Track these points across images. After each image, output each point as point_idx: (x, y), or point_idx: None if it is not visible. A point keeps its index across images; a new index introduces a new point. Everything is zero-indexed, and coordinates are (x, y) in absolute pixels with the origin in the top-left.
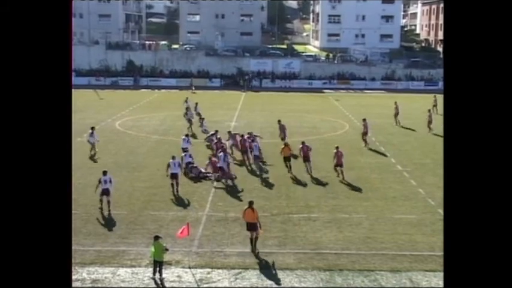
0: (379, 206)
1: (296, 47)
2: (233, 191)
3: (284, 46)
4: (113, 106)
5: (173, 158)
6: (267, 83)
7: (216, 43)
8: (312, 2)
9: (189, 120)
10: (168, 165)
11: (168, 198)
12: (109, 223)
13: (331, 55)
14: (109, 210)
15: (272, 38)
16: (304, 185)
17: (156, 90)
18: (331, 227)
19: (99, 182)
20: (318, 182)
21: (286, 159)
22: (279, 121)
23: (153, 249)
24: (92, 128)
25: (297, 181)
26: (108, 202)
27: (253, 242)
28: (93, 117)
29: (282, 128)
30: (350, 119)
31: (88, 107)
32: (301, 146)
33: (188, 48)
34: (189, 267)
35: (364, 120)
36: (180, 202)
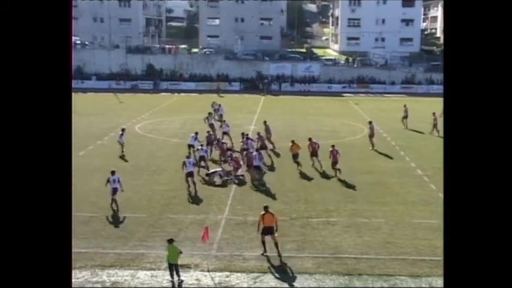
0: (398, 211)
1: (315, 50)
2: (252, 195)
3: (303, 50)
4: (132, 109)
5: (188, 157)
6: (286, 87)
7: (236, 47)
8: (331, 5)
9: (211, 125)
10: (184, 164)
11: (187, 201)
12: (129, 226)
13: (350, 59)
14: (117, 209)
15: (291, 41)
16: (323, 189)
17: (176, 94)
18: (350, 232)
19: (108, 181)
20: (336, 186)
21: (295, 156)
22: (265, 122)
23: (167, 252)
24: (123, 130)
25: (315, 185)
26: (115, 201)
27: (265, 245)
28: (113, 121)
29: (267, 129)
30: None
31: (108, 110)
32: (308, 142)
33: (208, 52)
34: (208, 271)
35: (370, 122)
36: (199, 205)
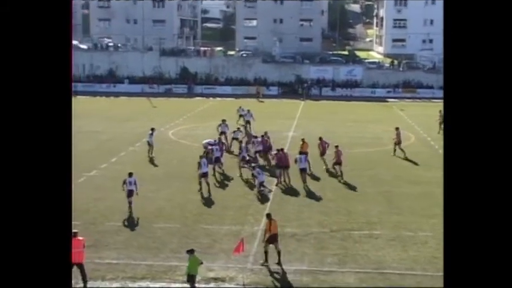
0: None
1: (358, 53)
2: (290, 205)
3: (345, 52)
4: (166, 114)
5: (201, 157)
6: (327, 92)
7: (274, 49)
8: (375, 5)
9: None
10: (199, 164)
11: (222, 211)
12: (161, 236)
13: (396, 62)
14: (131, 211)
15: (333, 43)
16: (366, 199)
17: (211, 99)
18: (395, 246)
19: (124, 183)
20: (380, 196)
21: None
22: (266, 133)
23: (188, 263)
24: (152, 129)
25: (357, 195)
26: (130, 203)
27: (267, 255)
28: (145, 126)
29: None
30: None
31: (141, 115)
32: (319, 141)
33: (244, 55)
34: (244, 285)
35: (396, 129)
36: (235, 215)
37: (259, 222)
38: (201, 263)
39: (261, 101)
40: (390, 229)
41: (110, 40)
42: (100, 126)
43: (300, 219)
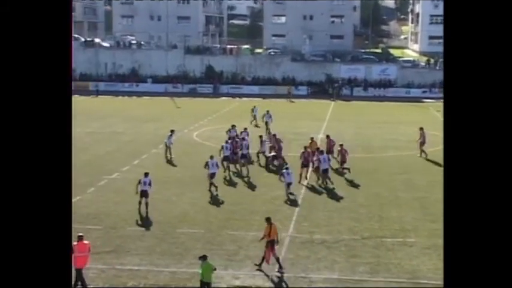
0: None
1: (392, 51)
2: (319, 211)
3: (379, 50)
4: (190, 115)
5: (211, 157)
6: (359, 92)
7: (303, 47)
8: (411, 0)
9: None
10: (206, 164)
11: (248, 216)
12: (185, 242)
13: (432, 60)
14: (146, 213)
15: (365, 41)
16: (400, 205)
17: (237, 99)
18: (430, 254)
19: (139, 182)
20: (414, 202)
21: (328, 152)
22: (274, 135)
23: (200, 270)
24: (172, 131)
25: (391, 200)
26: (146, 204)
27: (262, 261)
28: (169, 127)
29: (278, 141)
30: None
31: (164, 116)
32: (339, 148)
33: (272, 53)
34: None
35: (421, 129)
36: (262, 221)
37: (287, 228)
38: (215, 270)
39: (292, 101)
40: (425, 237)
41: (133, 38)
42: (122, 127)
43: (330, 225)
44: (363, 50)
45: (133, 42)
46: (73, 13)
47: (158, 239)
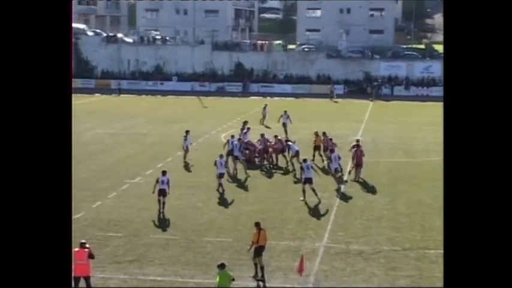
0: None
1: (437, 47)
2: (357, 219)
3: (422, 46)
4: (218, 116)
5: (221, 156)
6: (400, 91)
7: (340, 43)
8: None
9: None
10: (215, 164)
11: (279, 225)
12: (211, 252)
13: None
14: (163, 212)
15: (407, 36)
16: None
17: (269, 98)
18: None
19: (157, 181)
20: None
21: (316, 148)
22: (275, 136)
23: (217, 279)
24: (187, 132)
25: (434, 209)
26: (163, 203)
27: (257, 267)
28: (194, 128)
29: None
30: None
31: (190, 116)
32: (355, 149)
33: (306, 49)
34: None
35: None
36: (294, 230)
37: (321, 238)
38: (233, 280)
39: (336, 101)
40: None
41: (158, 33)
42: (145, 128)
43: (368, 235)
44: (404, 46)
45: (158, 37)
46: (95, 7)
47: (183, 247)
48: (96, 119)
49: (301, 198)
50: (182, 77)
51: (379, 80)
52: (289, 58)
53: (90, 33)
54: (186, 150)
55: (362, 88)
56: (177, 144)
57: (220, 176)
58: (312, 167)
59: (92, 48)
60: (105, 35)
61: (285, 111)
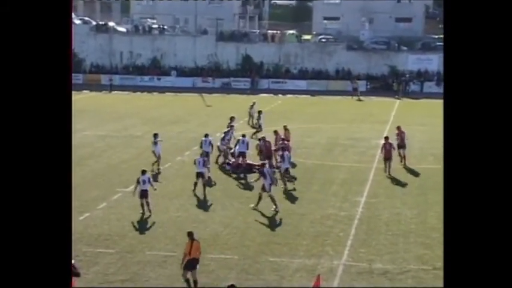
0: None
1: None
2: (381, 234)
3: None
4: (223, 115)
5: (201, 154)
6: (431, 87)
7: (362, 33)
8: None
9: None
10: (194, 163)
11: (293, 240)
12: (215, 270)
13: None
14: (149, 213)
15: (439, 25)
16: None
17: (280, 96)
18: None
19: (138, 182)
20: None
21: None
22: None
23: None
24: (155, 135)
25: None
26: (148, 204)
27: (189, 283)
28: (196, 130)
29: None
30: None
31: (191, 116)
32: (383, 142)
33: (324, 40)
34: None
35: None
36: (309, 246)
37: (340, 255)
38: None
39: (360, 100)
40: None
41: (154, 21)
42: (141, 130)
43: (394, 252)
44: (436, 36)
45: (155, 26)
46: None
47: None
48: (84, 120)
49: (252, 205)
50: (182, 72)
51: (407, 75)
52: (304, 50)
53: (77, 22)
54: (159, 158)
55: (387, 84)
56: (176, 148)
57: (198, 175)
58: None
59: (79, 38)
60: (94, 23)
61: (260, 112)
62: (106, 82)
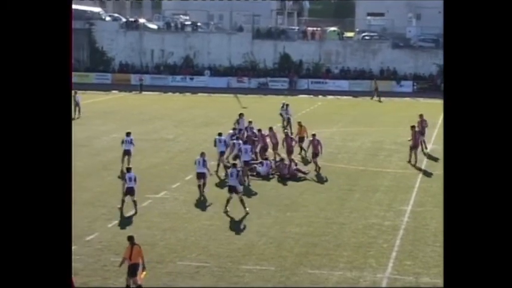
0: None
1: None
2: (428, 245)
3: None
4: (259, 117)
5: (201, 154)
6: None
7: (409, 30)
8: None
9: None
10: (195, 163)
11: (334, 251)
12: (250, 282)
13: None
14: (135, 212)
15: None
16: None
17: (321, 97)
18: None
19: (123, 179)
20: None
21: (301, 140)
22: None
23: None
24: (128, 134)
25: None
26: (134, 202)
27: None
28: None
29: (274, 136)
30: None
31: (226, 118)
32: (413, 131)
33: (367, 37)
34: None
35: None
36: (351, 257)
37: (384, 268)
38: None
39: (380, 101)
40: None
41: (187, 18)
42: (172, 133)
43: (442, 265)
44: None
45: (188, 23)
46: None
47: (216, 277)
48: (113, 121)
49: (224, 210)
50: (216, 71)
51: None
52: (346, 48)
53: (107, 18)
54: (128, 155)
55: (436, 85)
56: (210, 151)
57: (198, 176)
58: (238, 173)
59: (108, 36)
60: (124, 20)
61: (250, 122)
62: (136, 82)
